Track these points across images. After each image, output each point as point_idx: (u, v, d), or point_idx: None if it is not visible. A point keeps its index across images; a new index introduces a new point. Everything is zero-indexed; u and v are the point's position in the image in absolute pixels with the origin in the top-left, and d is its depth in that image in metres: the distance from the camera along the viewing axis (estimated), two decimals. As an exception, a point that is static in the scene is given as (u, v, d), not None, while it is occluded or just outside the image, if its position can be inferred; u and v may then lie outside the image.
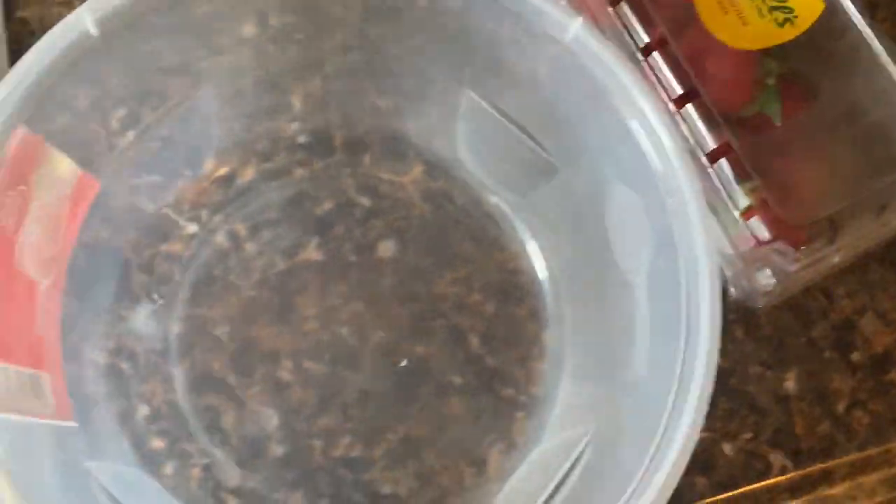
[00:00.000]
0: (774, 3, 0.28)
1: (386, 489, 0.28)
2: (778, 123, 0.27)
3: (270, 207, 0.30)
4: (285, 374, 0.28)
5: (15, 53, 0.31)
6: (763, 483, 0.30)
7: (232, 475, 0.27)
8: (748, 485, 0.30)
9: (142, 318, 0.28)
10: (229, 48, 0.28)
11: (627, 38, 0.28)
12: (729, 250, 0.26)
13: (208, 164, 0.30)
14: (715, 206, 0.26)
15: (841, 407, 0.31)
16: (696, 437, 0.20)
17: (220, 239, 0.29)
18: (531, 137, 0.28)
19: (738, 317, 0.31)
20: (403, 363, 0.29)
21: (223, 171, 0.30)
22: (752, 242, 0.26)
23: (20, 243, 0.21)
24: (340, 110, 0.31)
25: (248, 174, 0.30)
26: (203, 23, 0.27)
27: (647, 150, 0.23)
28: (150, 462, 0.27)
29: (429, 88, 0.30)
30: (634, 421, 0.23)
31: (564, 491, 0.24)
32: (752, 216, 0.26)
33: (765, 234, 0.26)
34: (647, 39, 0.28)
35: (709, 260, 0.21)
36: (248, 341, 0.28)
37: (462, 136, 0.30)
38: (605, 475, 0.23)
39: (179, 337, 0.28)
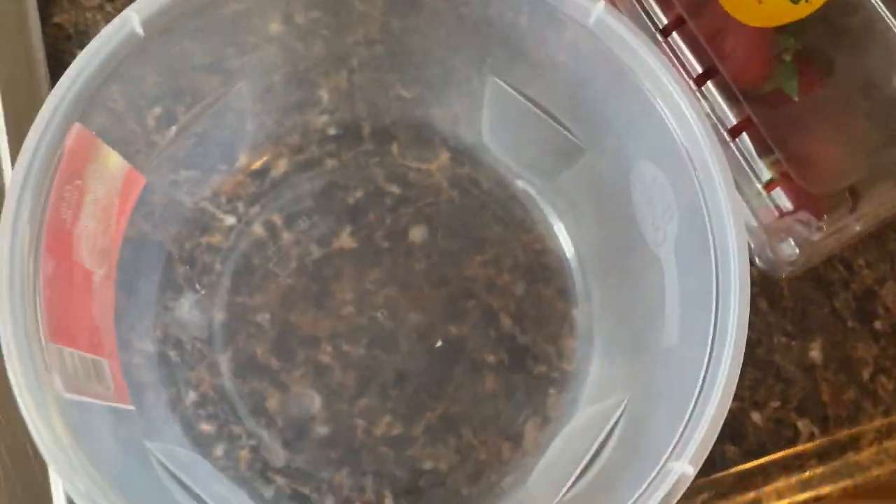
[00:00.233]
0: (789, -18, 0.28)
1: (427, 465, 0.29)
2: (796, 99, 0.28)
3: (304, 198, 0.31)
4: (325, 358, 0.29)
5: (52, 59, 0.32)
6: (792, 450, 0.31)
7: (279, 456, 0.28)
8: (777, 452, 0.31)
9: (186, 308, 0.29)
10: (257, 46, 0.29)
11: (646, 19, 0.29)
12: (753, 222, 0.27)
13: (243, 158, 0.31)
14: (737, 179, 0.27)
15: (865, 374, 0.32)
16: (729, 399, 0.21)
17: (258, 229, 0.31)
18: (557, 121, 0.29)
19: (761, 289, 0.32)
20: (438, 344, 0.30)
21: (257, 164, 0.31)
22: (776, 214, 0.27)
23: (77, 235, 0.22)
24: (367, 102, 0.32)
25: (282, 166, 0.31)
26: (231, 22, 0.28)
27: (673, 127, 0.24)
28: (201, 445, 0.28)
29: (452, 77, 0.31)
30: (667, 389, 0.24)
31: (601, 460, 0.25)
32: (774, 188, 0.27)
33: (787, 205, 0.26)
34: (665, 21, 0.28)
35: (737, 229, 0.22)
36: (289, 327, 0.29)
37: (487, 122, 0.31)
38: (641, 443, 0.24)
39: (223, 325, 0.29)
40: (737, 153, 0.27)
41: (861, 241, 0.31)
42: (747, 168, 0.27)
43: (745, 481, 0.31)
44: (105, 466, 0.19)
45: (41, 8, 0.33)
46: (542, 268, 0.31)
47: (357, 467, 0.28)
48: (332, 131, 0.32)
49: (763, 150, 0.27)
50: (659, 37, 0.29)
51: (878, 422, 0.32)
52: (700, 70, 0.28)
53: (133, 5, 0.23)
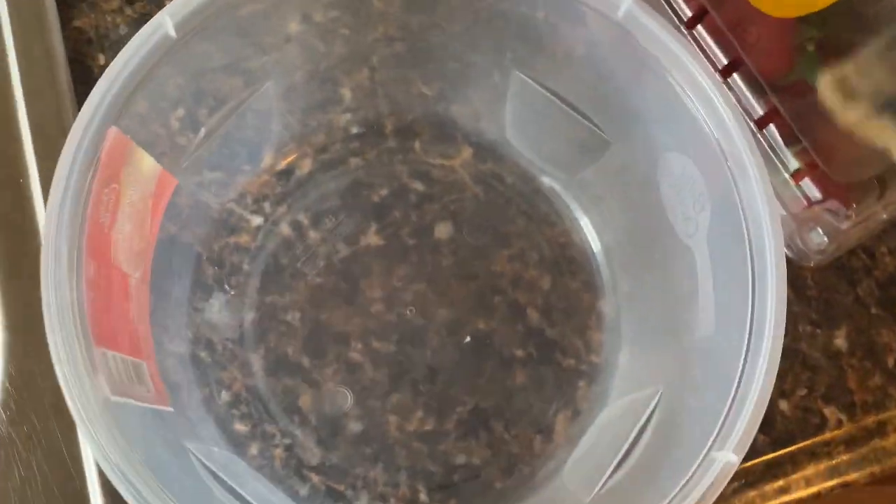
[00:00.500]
0: (810, -29, 0.28)
1: (460, 459, 0.29)
2: (819, 88, 0.28)
3: (330, 196, 0.31)
4: (356, 355, 0.29)
5: (73, 63, 0.32)
6: (820, 437, 0.31)
7: (313, 453, 0.28)
8: (805, 440, 0.31)
9: (216, 309, 0.29)
10: (277, 46, 0.29)
11: (669, 11, 0.29)
12: (781, 212, 0.27)
13: (267, 159, 0.31)
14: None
15: (891, 361, 0.32)
16: (771, 387, 0.21)
17: (285, 229, 0.31)
18: (581, 114, 0.29)
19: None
20: (467, 339, 0.30)
21: (282, 164, 0.31)
22: (804, 203, 0.27)
23: (115, 239, 0.23)
24: (389, 99, 0.32)
25: (306, 166, 0.31)
26: (250, 23, 0.28)
27: (703, 118, 0.24)
28: (236, 444, 0.28)
29: (472, 73, 0.31)
30: (705, 378, 0.24)
31: (638, 451, 0.25)
32: (802, 178, 0.27)
33: (816, 194, 0.27)
34: (689, 13, 0.29)
35: (772, 218, 0.22)
36: (319, 325, 0.30)
37: (510, 117, 0.31)
38: (679, 433, 0.24)
39: (253, 324, 0.29)
40: (764, 143, 0.27)
41: (882, 229, 0.31)
42: (775, 158, 0.27)
43: (774, 469, 0.31)
44: (154, 467, 0.20)
45: (60, 12, 0.33)
46: (567, 261, 0.31)
47: (391, 463, 0.29)
48: (355, 130, 0.32)
49: (790, 139, 0.27)
50: (683, 29, 0.29)
51: (905, 407, 0.32)
52: (725, 61, 0.28)
53: (166, 8, 0.23)
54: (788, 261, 0.30)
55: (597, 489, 0.25)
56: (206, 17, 0.24)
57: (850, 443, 0.31)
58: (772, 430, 0.31)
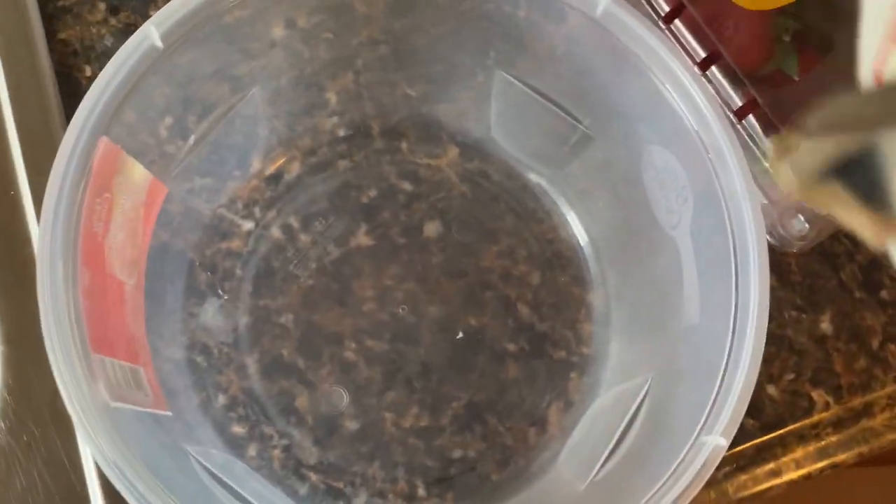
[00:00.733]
0: (785, -37, 0.29)
1: (456, 453, 0.29)
2: (796, 78, 0.29)
3: (319, 199, 0.32)
4: (350, 355, 0.30)
5: (60, 75, 0.33)
6: (808, 420, 0.32)
7: (311, 453, 0.29)
8: (794, 423, 0.32)
9: (210, 314, 0.30)
10: (263, 52, 0.30)
11: (647, 7, 0.29)
12: (763, 200, 0.28)
13: (256, 164, 0.32)
14: (745, 159, 0.28)
15: (875, 343, 0.33)
16: (756, 371, 0.22)
17: (275, 233, 0.31)
18: (564, 110, 0.29)
19: (770, 266, 0.32)
20: (459, 335, 0.30)
21: (271, 168, 0.32)
22: (785, 191, 0.27)
23: (108, 247, 0.23)
24: (374, 102, 0.33)
25: (295, 170, 0.32)
26: (234, 30, 0.28)
27: (683, 112, 0.24)
28: (234, 446, 0.28)
29: (456, 73, 0.31)
30: (692, 366, 0.25)
31: (629, 438, 0.26)
32: (781, 166, 0.27)
33: (795, 181, 0.27)
34: (666, 8, 0.29)
35: (753, 208, 0.22)
36: (312, 326, 0.30)
37: (495, 115, 0.32)
38: (668, 419, 0.25)
39: (247, 328, 0.30)
40: (743, 133, 0.28)
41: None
42: (754, 147, 0.28)
43: (764, 453, 0.31)
44: (155, 470, 0.20)
45: (45, 25, 0.33)
46: (556, 256, 0.32)
47: (388, 459, 0.29)
48: (341, 132, 0.32)
49: (769, 129, 0.28)
50: (661, 24, 0.29)
51: (890, 388, 0.32)
52: (703, 55, 0.28)
53: (152, 19, 0.23)
54: (771, 248, 0.31)
55: (591, 477, 0.26)
56: (191, 25, 0.25)
57: (837, 424, 0.32)
58: (761, 414, 0.31)
